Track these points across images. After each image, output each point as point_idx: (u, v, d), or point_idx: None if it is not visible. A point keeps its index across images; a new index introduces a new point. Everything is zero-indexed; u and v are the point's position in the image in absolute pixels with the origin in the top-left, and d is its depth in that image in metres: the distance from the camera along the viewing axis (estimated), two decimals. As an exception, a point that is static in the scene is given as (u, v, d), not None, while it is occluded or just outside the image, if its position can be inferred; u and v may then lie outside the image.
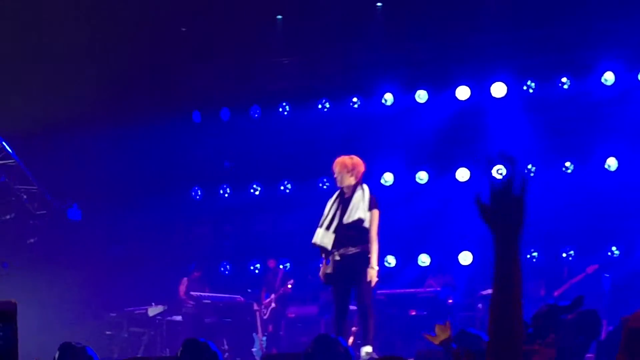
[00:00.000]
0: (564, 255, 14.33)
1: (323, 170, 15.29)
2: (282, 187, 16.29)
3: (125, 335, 14.04)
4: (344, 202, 9.29)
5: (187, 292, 14.44)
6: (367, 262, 9.12)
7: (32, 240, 15.01)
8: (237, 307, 14.05)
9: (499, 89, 14.78)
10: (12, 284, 12.85)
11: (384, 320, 12.02)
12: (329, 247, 9.21)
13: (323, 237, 9.24)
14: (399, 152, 15.09)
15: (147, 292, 14.47)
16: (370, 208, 9.23)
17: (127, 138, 15.41)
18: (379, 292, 9.99)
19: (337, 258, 9.20)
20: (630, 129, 14.06)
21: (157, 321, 13.94)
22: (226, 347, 13.29)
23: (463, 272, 14.48)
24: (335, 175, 9.42)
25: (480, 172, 14.89)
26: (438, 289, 13.30)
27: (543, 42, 14.42)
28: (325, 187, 15.53)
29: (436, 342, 4.18)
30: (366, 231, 9.17)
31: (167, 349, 13.35)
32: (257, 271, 16.13)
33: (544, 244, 14.36)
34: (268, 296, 14.42)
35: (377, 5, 15.21)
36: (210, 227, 16.88)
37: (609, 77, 14.27)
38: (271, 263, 15.12)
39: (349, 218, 9.17)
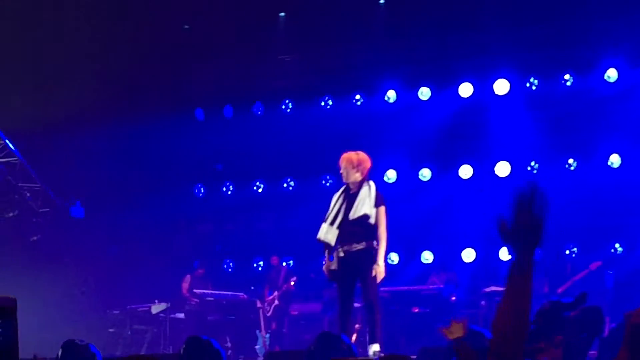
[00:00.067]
0: (567, 252, 14.33)
1: (326, 168, 15.32)
2: (285, 185, 16.30)
3: (129, 333, 14.06)
4: (349, 198, 9.26)
5: (190, 290, 14.45)
6: (371, 258, 9.10)
7: (35, 238, 15.02)
8: (240, 305, 14.06)
9: (501, 86, 14.77)
10: (16, 282, 12.87)
11: (387, 318, 12.01)
12: (333, 242, 9.19)
13: (327, 232, 9.22)
14: (401, 149, 15.08)
15: (150, 290, 14.49)
16: (377, 205, 9.21)
17: (130, 136, 15.42)
18: (382, 289, 9.96)
19: (341, 254, 9.18)
20: (633, 125, 14.04)
21: (160, 319, 13.95)
22: (229, 344, 13.30)
23: (466, 269, 14.48)
24: (341, 171, 9.41)
25: (483, 170, 14.90)
26: (441, 286, 13.30)
27: (546, 39, 14.40)
28: (328, 184, 15.54)
29: (450, 337, 4.18)
30: (371, 227, 9.15)
31: (170, 347, 13.36)
32: (260, 268, 16.14)
33: (547, 241, 14.21)
34: (271, 293, 14.43)
35: (380, 3, 15.20)
36: (213, 225, 16.89)
37: (612, 74, 14.26)
38: (274, 260, 15.12)
39: (354, 214, 9.14)
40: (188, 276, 14.73)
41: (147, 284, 14.79)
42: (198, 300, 14.14)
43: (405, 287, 13.41)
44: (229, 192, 16.68)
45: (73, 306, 14.81)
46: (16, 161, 14.48)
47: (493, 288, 12.67)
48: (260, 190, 16.48)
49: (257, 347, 13.58)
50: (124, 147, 15.56)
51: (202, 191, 16.82)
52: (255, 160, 16.34)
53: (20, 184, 14.71)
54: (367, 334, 9.99)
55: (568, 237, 14.31)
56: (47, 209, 15.05)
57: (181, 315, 14.17)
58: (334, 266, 9.25)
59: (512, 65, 14.67)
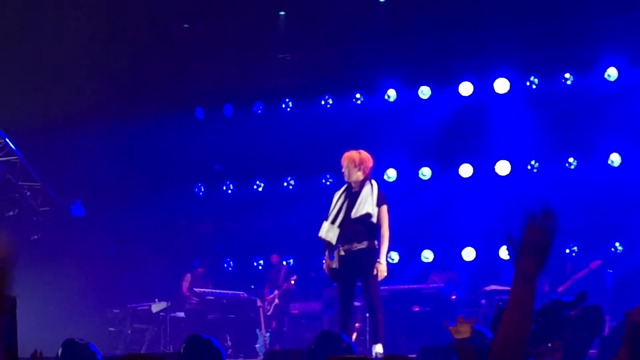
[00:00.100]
0: (567, 251, 14.32)
1: (326, 167, 15.31)
2: (285, 183, 16.30)
3: (129, 332, 14.06)
4: (351, 197, 9.25)
5: (190, 289, 14.45)
6: (372, 258, 9.09)
7: (35, 237, 15.03)
8: (241, 304, 14.06)
9: (502, 85, 14.77)
10: (16, 280, 12.85)
11: (388, 316, 12.00)
12: (333, 241, 9.18)
13: (328, 231, 9.21)
14: (402, 148, 15.08)
15: (151, 289, 14.49)
16: (380, 204, 9.20)
17: (130, 134, 15.42)
18: (382, 288, 9.97)
19: (342, 253, 9.18)
20: (634, 124, 14.05)
21: (160, 317, 13.94)
22: (229, 343, 13.30)
23: (466, 268, 14.48)
24: (342, 170, 9.40)
25: (483, 169, 14.90)
26: (441, 285, 13.30)
27: (546, 37, 14.40)
28: (328, 183, 15.54)
29: (456, 335, 4.18)
30: (373, 226, 9.14)
31: (171, 345, 13.36)
32: (260, 267, 16.14)
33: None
34: (271, 292, 14.42)
35: (380, 2, 15.20)
36: (213, 224, 16.89)
37: (612, 73, 14.26)
38: (274, 259, 15.11)
39: (356, 212, 9.12)
40: (188, 275, 14.73)
41: (147, 283, 14.79)
42: (198, 299, 14.14)
43: (406, 286, 13.41)
44: (229, 191, 16.68)
45: (73, 305, 14.80)
46: (16, 160, 14.49)
47: (493, 287, 12.68)
48: (260, 189, 16.48)
49: (257, 345, 13.58)
50: (124, 145, 15.56)
51: (202, 190, 16.82)
52: (255, 159, 16.33)
53: (20, 183, 14.71)
54: (368, 334, 10.00)
55: (568, 236, 14.30)
56: (47, 208, 15.05)
57: (181, 314, 14.17)
58: (334, 264, 9.24)
59: (512, 64, 14.67)
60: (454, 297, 13.05)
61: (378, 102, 15.50)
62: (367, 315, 9.93)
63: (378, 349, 8.99)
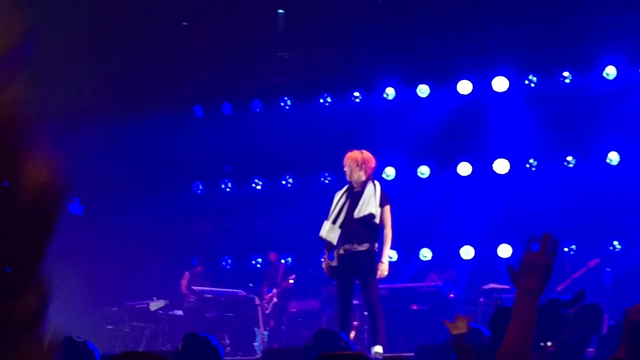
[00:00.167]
0: (566, 249, 14.32)
1: (325, 165, 15.31)
2: (283, 182, 16.29)
3: (127, 330, 14.04)
4: (353, 197, 9.25)
5: (188, 287, 14.44)
6: (372, 260, 9.10)
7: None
8: (239, 302, 14.05)
9: (500, 84, 14.77)
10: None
11: (386, 315, 11.99)
12: (334, 242, 9.17)
13: (329, 231, 9.20)
14: (400, 146, 15.08)
15: (149, 287, 14.48)
16: (382, 204, 9.20)
17: (128, 132, 15.40)
18: (380, 286, 9.97)
19: (342, 252, 9.18)
20: (632, 123, 14.05)
21: (158, 315, 13.93)
22: (228, 341, 13.29)
23: (464, 266, 14.48)
24: (344, 169, 9.40)
25: (482, 168, 14.90)
26: (440, 283, 13.30)
27: (545, 36, 14.40)
28: (327, 181, 15.53)
29: (453, 331, 4.17)
30: (375, 227, 9.14)
31: (169, 344, 13.35)
32: (258, 266, 16.13)
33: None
34: (270, 291, 14.42)
35: (379, 0, 15.19)
36: (212, 222, 16.88)
37: (610, 72, 14.25)
38: (272, 256, 15.11)
39: (359, 213, 9.11)
40: (187, 273, 14.72)
41: (145, 281, 14.78)
42: (196, 297, 14.13)
43: (404, 285, 13.41)
44: (228, 190, 16.67)
45: (71, 303, 14.78)
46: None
47: (491, 285, 12.68)
48: (259, 187, 16.47)
49: (255, 344, 13.57)
50: (122, 143, 15.55)
51: (201, 188, 16.81)
52: (254, 158, 16.32)
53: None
54: (367, 334, 9.99)
55: (567, 235, 14.30)
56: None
57: (179, 312, 14.15)
58: (334, 263, 9.25)
59: (511, 63, 14.67)
60: (452, 295, 13.05)
61: (377, 101, 15.49)
62: (366, 314, 9.94)
63: (377, 349, 8.99)
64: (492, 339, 4.81)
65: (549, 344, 4.47)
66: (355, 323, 11.72)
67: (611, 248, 14.09)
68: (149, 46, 14.94)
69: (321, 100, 15.88)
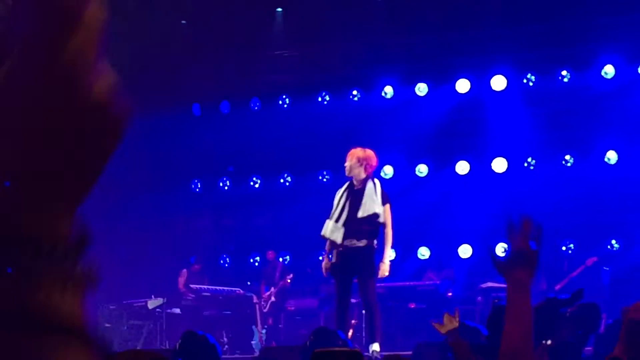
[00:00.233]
0: (564, 248, 14.33)
1: (323, 163, 15.31)
2: (282, 180, 16.28)
3: (125, 328, 14.03)
4: (354, 194, 9.24)
5: (186, 284, 14.43)
6: (369, 257, 9.10)
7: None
8: (237, 300, 14.05)
9: (499, 82, 14.77)
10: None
11: (384, 313, 12.00)
12: (339, 241, 9.16)
13: (333, 230, 9.19)
14: (398, 145, 15.08)
15: (147, 285, 14.47)
16: (383, 203, 9.22)
17: (126, 131, 15.37)
18: (378, 285, 9.98)
19: (340, 248, 9.18)
20: (630, 122, 14.05)
21: (156, 314, 13.92)
22: (225, 339, 13.29)
23: (462, 265, 14.48)
24: (345, 164, 9.41)
25: (480, 166, 14.89)
26: (437, 282, 13.30)
27: (543, 35, 14.40)
28: (325, 180, 15.53)
29: (443, 331, 4.17)
30: (378, 226, 9.15)
31: (167, 342, 13.35)
32: (256, 264, 16.13)
33: (544, 238, 14.29)
34: (268, 289, 14.42)
35: (377, -2, 15.20)
36: (210, 220, 16.87)
37: (609, 71, 14.26)
38: (270, 255, 15.11)
39: (364, 212, 9.11)
40: (184, 270, 14.71)
41: (143, 279, 14.77)
42: (194, 296, 14.13)
43: (402, 283, 13.41)
44: (226, 188, 16.66)
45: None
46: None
47: (489, 284, 12.67)
48: (257, 185, 16.47)
49: (253, 342, 13.57)
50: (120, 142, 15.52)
51: (199, 186, 16.80)
52: (252, 156, 16.31)
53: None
54: (364, 332, 9.99)
55: (565, 234, 14.31)
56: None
57: (177, 311, 14.15)
58: (334, 259, 9.25)
59: (509, 62, 14.67)
60: (450, 294, 13.05)
61: (375, 99, 15.49)
62: (364, 312, 9.94)
63: (375, 347, 8.99)
64: (490, 338, 4.81)
65: (548, 342, 4.47)
66: (353, 322, 11.72)
67: (609, 247, 14.09)
68: (147, 44, 14.93)
69: (319, 99, 15.88)
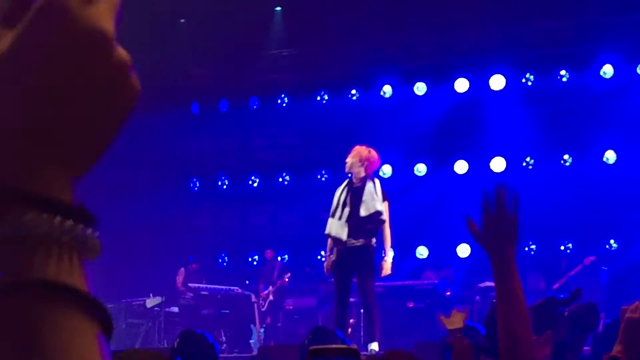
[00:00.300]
0: (562, 248, 14.34)
1: (321, 163, 15.30)
2: (280, 179, 16.28)
3: (123, 327, 14.03)
4: (354, 192, 9.25)
5: (184, 283, 14.43)
6: (368, 256, 9.11)
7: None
8: (235, 299, 14.05)
9: (497, 82, 14.77)
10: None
11: (382, 313, 12.02)
12: (344, 237, 9.16)
13: (337, 228, 9.19)
14: (397, 144, 15.07)
15: (145, 284, 14.47)
16: (383, 201, 9.24)
17: (124, 129, 15.36)
18: (377, 284, 9.99)
19: (341, 247, 9.19)
20: (629, 122, 14.06)
21: (155, 312, 13.93)
22: (224, 338, 13.29)
23: (461, 264, 14.48)
24: (346, 159, 9.41)
25: (479, 166, 14.89)
26: (436, 281, 13.30)
27: (542, 35, 14.40)
28: (323, 179, 15.52)
29: (449, 327, 4.16)
30: (380, 224, 9.17)
31: (165, 340, 13.35)
32: (255, 263, 16.13)
33: (542, 237, 14.36)
34: (266, 288, 14.42)
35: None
36: (208, 219, 16.87)
37: (607, 70, 14.26)
38: (268, 254, 15.11)
39: (367, 211, 9.12)
40: (182, 269, 14.71)
41: (142, 278, 14.77)
42: (192, 294, 14.13)
43: (400, 282, 13.41)
44: (224, 187, 16.66)
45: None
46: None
47: (488, 283, 12.66)
48: (255, 184, 16.46)
49: (251, 341, 13.57)
50: (118, 140, 15.50)
51: (198, 185, 16.80)
52: (250, 155, 16.31)
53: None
54: (363, 331, 9.98)
55: (563, 233, 14.32)
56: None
57: (176, 309, 14.15)
58: (334, 257, 9.26)
59: (508, 61, 14.67)
60: (448, 293, 13.06)
61: (374, 98, 15.49)
62: (362, 311, 9.94)
63: (374, 346, 9.00)
64: (488, 337, 4.81)
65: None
66: (351, 321, 11.72)
67: (607, 247, 14.10)
68: (146, 43, 14.92)
69: (318, 98, 15.88)
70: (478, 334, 5.58)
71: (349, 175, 9.51)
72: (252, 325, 13.78)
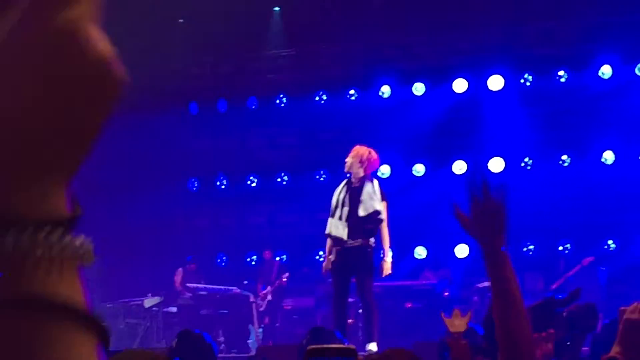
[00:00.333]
0: (561, 248, 14.34)
1: (320, 163, 15.30)
2: (278, 179, 16.27)
3: (121, 326, 14.03)
4: (352, 192, 9.25)
5: (182, 283, 14.43)
6: (366, 256, 9.10)
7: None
8: (233, 299, 14.04)
9: (496, 82, 14.77)
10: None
11: (380, 313, 12.00)
12: (345, 237, 9.16)
13: (338, 227, 9.19)
14: (395, 144, 15.07)
15: (144, 283, 14.46)
16: (382, 200, 9.24)
17: (123, 129, 15.34)
18: (375, 284, 9.99)
19: (340, 248, 9.19)
20: (627, 122, 14.07)
21: (153, 312, 13.93)
22: (222, 338, 13.28)
23: (459, 264, 14.48)
24: (346, 159, 9.41)
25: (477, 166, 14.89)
26: (434, 281, 13.30)
27: (540, 35, 14.41)
28: (322, 179, 15.51)
29: (451, 328, 4.15)
30: (379, 223, 9.16)
31: (164, 340, 13.34)
32: (253, 263, 16.12)
33: (541, 237, 14.36)
34: (264, 288, 14.42)
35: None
36: (207, 219, 16.86)
37: (606, 71, 14.27)
38: (267, 254, 15.10)
39: (366, 210, 9.12)
40: (180, 269, 14.70)
41: (140, 278, 14.76)
42: (191, 294, 14.12)
43: (399, 282, 13.40)
44: (223, 187, 16.65)
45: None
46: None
47: (486, 284, 12.66)
48: (254, 184, 16.46)
49: (250, 341, 13.57)
50: (117, 140, 15.48)
51: (196, 185, 16.79)
52: (249, 155, 16.31)
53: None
54: (361, 331, 9.98)
55: (562, 234, 14.33)
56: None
57: (174, 309, 14.15)
58: (332, 257, 9.26)
59: (506, 62, 14.67)
60: (446, 293, 13.06)
61: (372, 99, 15.49)
62: (360, 311, 9.94)
63: (372, 347, 8.99)
64: (486, 337, 4.81)
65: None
66: (349, 321, 11.72)
67: (606, 247, 14.11)
68: (144, 43, 14.91)
69: (317, 98, 15.87)
70: (476, 335, 5.57)
71: (348, 175, 9.51)
72: (250, 326, 13.77)
